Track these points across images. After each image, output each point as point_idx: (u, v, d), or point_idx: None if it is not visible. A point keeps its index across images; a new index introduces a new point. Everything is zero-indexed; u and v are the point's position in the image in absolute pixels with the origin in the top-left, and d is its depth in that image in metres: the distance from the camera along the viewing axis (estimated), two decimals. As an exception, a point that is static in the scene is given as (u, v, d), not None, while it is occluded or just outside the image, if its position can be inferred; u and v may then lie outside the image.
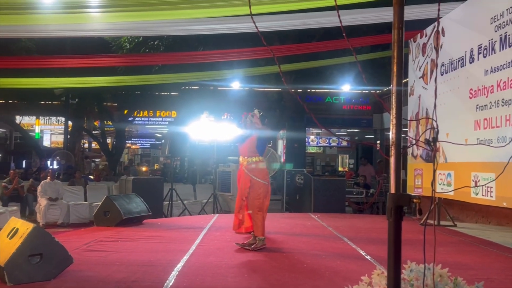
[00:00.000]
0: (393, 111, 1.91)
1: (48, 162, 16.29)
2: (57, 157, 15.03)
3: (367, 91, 18.73)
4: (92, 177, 15.95)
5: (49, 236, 3.93)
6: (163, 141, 26.87)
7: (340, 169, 25.36)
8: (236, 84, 16.30)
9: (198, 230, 6.46)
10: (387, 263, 1.88)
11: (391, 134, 1.92)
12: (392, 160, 1.89)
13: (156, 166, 31.12)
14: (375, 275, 2.53)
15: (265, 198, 5.37)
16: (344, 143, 23.62)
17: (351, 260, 4.66)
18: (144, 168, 24.36)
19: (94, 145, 25.49)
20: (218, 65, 12.22)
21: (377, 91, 15.43)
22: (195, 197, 12.14)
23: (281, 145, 21.78)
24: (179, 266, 4.27)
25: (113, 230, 6.45)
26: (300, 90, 17.52)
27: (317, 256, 4.87)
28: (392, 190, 1.89)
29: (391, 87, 1.91)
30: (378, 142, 19.30)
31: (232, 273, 4.09)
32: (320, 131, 22.60)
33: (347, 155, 25.62)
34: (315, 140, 23.54)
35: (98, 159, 26.78)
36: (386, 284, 1.92)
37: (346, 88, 17.30)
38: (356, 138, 24.00)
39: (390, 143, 1.92)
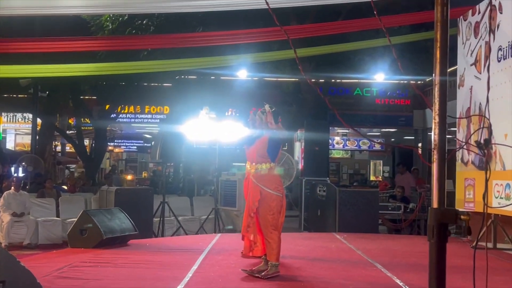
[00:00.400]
0: (436, 106, 1.91)
1: (12, 169, 16.45)
2: (23, 163, 15.16)
3: (406, 82, 18.70)
4: (65, 187, 16.08)
5: (13, 260, 3.97)
6: (153, 143, 27.01)
7: (372, 178, 25.29)
8: (243, 73, 16.34)
9: (196, 254, 6.49)
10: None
11: (433, 135, 1.92)
12: (434, 167, 1.88)
13: (144, 174, 31.33)
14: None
15: (280, 213, 5.37)
16: (377, 146, 23.56)
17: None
18: (129, 177, 24.47)
19: (69, 148, 25.69)
20: (221, 50, 12.27)
21: (418, 82, 15.40)
22: (192, 213, 12.14)
23: (298, 148, 21.75)
24: (172, 297, 4.30)
25: (91, 253, 6.49)
26: (322, 80, 17.53)
27: (342, 286, 4.86)
28: (435, 205, 1.89)
29: (433, 76, 1.91)
30: (420, 145, 19.24)
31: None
32: (348, 131, 22.58)
33: (381, 161, 25.55)
34: (341, 142, 23.52)
35: (73, 166, 26.98)
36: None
37: (380, 77, 17.26)
38: (392, 140, 23.95)
39: (432, 145, 1.92)
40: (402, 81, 18.66)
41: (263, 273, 5.17)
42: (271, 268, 5.21)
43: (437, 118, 1.92)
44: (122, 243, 7.24)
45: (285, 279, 5.17)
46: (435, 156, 1.91)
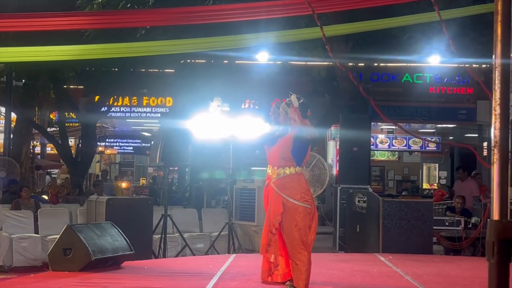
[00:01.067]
0: (496, 94, 1.91)
1: (-19, 175, 16.68)
2: (-5, 167, 15.38)
3: (467, 66, 18.52)
4: (46, 197, 16.28)
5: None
6: (152, 143, 27.19)
7: (425, 186, 25.16)
8: (263, 55, 16.36)
9: (205, 278, 6.52)
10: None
11: (493, 130, 1.92)
12: (494, 169, 1.88)
13: (142, 181, 31.58)
14: None
15: (309, 228, 5.39)
16: (432, 146, 23.42)
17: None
18: (124, 184, 24.71)
19: (50, 148, 25.99)
20: (236, 27, 12.30)
21: (483, 65, 15.23)
22: (200, 229, 12.22)
23: (332, 149, 21.75)
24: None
25: (77, 277, 6.57)
26: (362, 64, 17.46)
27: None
28: (495, 216, 1.89)
29: (493, 58, 1.91)
30: (485, 144, 19.07)
31: None
32: (395, 127, 22.49)
33: (436, 165, 25.40)
34: (386, 141, 23.43)
35: (56, 170, 27.31)
36: None
37: (435, 60, 17.11)
38: (451, 138, 23.79)
39: (492, 143, 1.92)
40: (463, 65, 18.48)
41: None
42: None
43: (497, 109, 1.92)
44: (114, 265, 7.31)
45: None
46: (495, 156, 1.91)
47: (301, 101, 5.65)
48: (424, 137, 21.35)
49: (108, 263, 7.25)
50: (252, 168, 20.63)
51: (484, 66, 15.15)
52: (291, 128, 5.56)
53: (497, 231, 1.86)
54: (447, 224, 10.67)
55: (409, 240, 9.49)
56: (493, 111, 1.95)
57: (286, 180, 5.40)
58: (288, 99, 5.67)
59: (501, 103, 1.93)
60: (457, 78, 19.50)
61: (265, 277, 5.91)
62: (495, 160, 1.94)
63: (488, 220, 1.89)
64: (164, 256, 10.00)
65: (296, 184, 5.39)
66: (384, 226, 9.59)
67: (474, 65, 15.07)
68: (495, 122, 1.95)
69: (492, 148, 1.95)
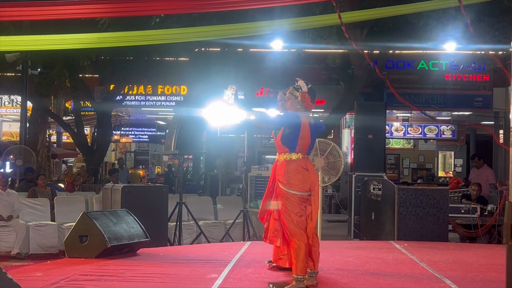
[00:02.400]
0: (515, 77, 1.88)
1: (-2, 163, 16.80)
2: (11, 156, 15.48)
3: (484, 52, 18.34)
4: (62, 185, 16.38)
5: (-1, 271, 4.08)
6: (167, 131, 27.26)
7: (440, 174, 25.03)
8: (277, 43, 16.29)
9: (220, 265, 6.54)
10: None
11: (511, 114, 1.89)
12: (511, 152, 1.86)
13: (158, 170, 31.70)
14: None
15: (305, 216, 5.42)
16: (448, 134, 23.25)
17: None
18: (140, 173, 24.80)
19: (66, 137, 26.12)
20: (250, 15, 12.26)
21: (500, 52, 15.07)
22: (215, 216, 12.25)
23: (347, 137, 21.67)
24: (191, 318, 4.36)
25: (93, 264, 6.61)
26: (377, 52, 17.34)
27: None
28: (513, 199, 1.87)
29: (511, 44, 1.87)
30: (501, 132, 18.92)
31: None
32: (410, 114, 22.33)
33: (452, 153, 25.23)
34: (401, 129, 23.30)
35: (72, 159, 27.45)
36: None
37: (451, 47, 16.95)
38: (465, 122, 23.65)
39: (510, 126, 1.89)
40: (479, 52, 18.28)
41: None
42: (294, 284, 5.25)
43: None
44: (130, 252, 7.35)
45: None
46: (513, 139, 1.88)
47: (309, 86, 5.68)
48: (438, 119, 21.09)
49: (124, 250, 7.29)
50: (267, 157, 20.66)
51: (500, 53, 14.99)
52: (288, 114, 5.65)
53: (515, 214, 1.84)
54: (462, 211, 10.62)
55: (425, 227, 9.46)
56: (511, 96, 1.92)
57: (280, 167, 5.53)
58: (295, 84, 5.71)
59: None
60: (473, 65, 19.31)
61: (275, 260, 6.09)
62: (512, 142, 1.91)
63: (506, 202, 1.87)
64: (179, 244, 10.04)
65: (286, 170, 5.46)
66: (399, 213, 9.55)
67: (490, 52, 14.89)
68: (513, 104, 1.92)
69: (511, 131, 1.92)
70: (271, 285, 5.44)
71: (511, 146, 1.92)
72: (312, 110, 5.76)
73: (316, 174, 5.73)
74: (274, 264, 6.27)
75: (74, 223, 7.45)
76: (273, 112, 6.15)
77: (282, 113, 5.88)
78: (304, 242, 5.34)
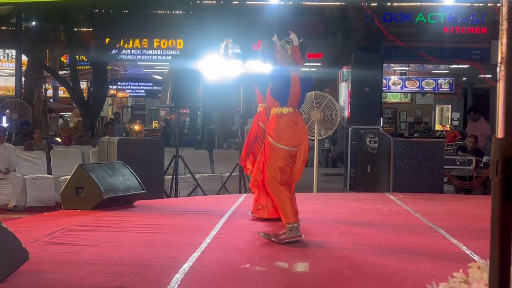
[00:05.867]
0: (503, 9, 1.84)
1: (-6, 117, 16.77)
2: (7, 110, 15.45)
3: (482, 4, 18.17)
4: (59, 139, 16.38)
5: (-5, 222, 4.09)
6: (163, 84, 27.15)
7: (437, 127, 25.04)
8: (274, -5, 16.13)
9: (216, 217, 6.59)
10: (490, 248, 1.86)
11: (500, 46, 1.86)
12: (500, 86, 1.83)
13: (155, 124, 31.69)
14: (474, 267, 2.56)
15: (289, 164, 5.45)
16: (445, 87, 23.15)
17: (449, 261, 4.69)
18: (137, 127, 24.87)
19: (62, 92, 26.08)
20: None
21: (498, 4, 14.92)
22: (212, 170, 12.28)
23: (344, 90, 21.63)
24: (186, 266, 4.40)
25: (89, 216, 6.65)
26: (374, 4, 17.17)
27: (395, 254, 4.90)
28: (500, 134, 1.85)
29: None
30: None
31: (264, 278, 4.18)
32: (407, 68, 22.26)
33: (449, 106, 25.20)
34: (398, 82, 23.23)
35: (68, 114, 27.42)
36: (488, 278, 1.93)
37: (449, -1, 16.86)
38: (464, 79, 23.53)
39: (499, 59, 1.86)
40: (477, 4, 18.13)
41: (281, 237, 5.25)
42: (290, 232, 5.27)
43: (504, 24, 1.84)
44: (126, 204, 7.39)
45: (321, 246, 5.22)
46: (501, 73, 1.85)
47: (301, 40, 5.64)
48: (434, 59, 20.97)
49: (120, 201, 7.32)
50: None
51: (499, 4, 14.85)
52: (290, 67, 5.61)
53: (501, 149, 1.82)
54: (458, 163, 10.64)
55: (420, 179, 9.49)
56: (500, 27, 1.88)
57: (271, 121, 5.54)
58: (288, 38, 5.66)
59: (509, 18, 1.85)
60: (471, 17, 19.18)
61: (254, 210, 6.29)
62: (501, 76, 1.88)
63: (493, 138, 1.85)
64: (176, 196, 10.08)
65: (277, 125, 5.45)
66: (395, 166, 9.58)
67: (489, 4, 14.76)
68: (502, 38, 1.88)
69: (499, 64, 1.89)
70: (261, 234, 5.46)
71: (499, 80, 1.89)
72: (304, 64, 5.73)
73: (306, 129, 5.75)
74: (256, 216, 6.38)
75: (70, 176, 7.46)
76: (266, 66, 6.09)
77: (271, 68, 5.83)
78: (285, 188, 5.42)
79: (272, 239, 5.30)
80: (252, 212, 6.39)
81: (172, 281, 4.02)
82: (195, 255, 4.76)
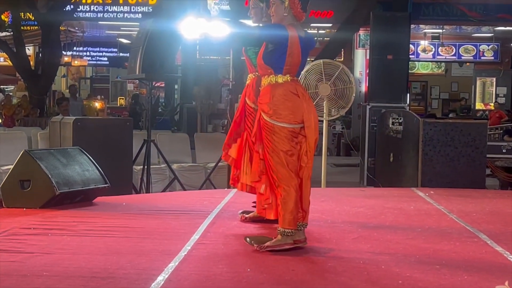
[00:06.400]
0: None
1: None
2: None
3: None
4: (-1, 119, 16.32)
5: None
6: (131, 50, 27.02)
7: (478, 106, 25.08)
8: None
9: (199, 217, 6.57)
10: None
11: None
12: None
13: (121, 101, 31.61)
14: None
15: (295, 145, 5.38)
16: (488, 54, 23.19)
17: (491, 273, 4.70)
18: (98, 104, 24.76)
19: (3, 59, 25.95)
20: None
21: None
22: (193, 158, 12.27)
23: (361, 59, 21.62)
24: (160, 280, 4.40)
25: (37, 215, 6.61)
26: None
27: (424, 265, 4.91)
28: None
29: None
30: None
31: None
32: (441, 31, 22.24)
33: (493, 79, 25.24)
34: (430, 49, 23.26)
35: (11, 87, 27.31)
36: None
37: None
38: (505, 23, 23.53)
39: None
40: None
41: (266, 243, 5.24)
42: (280, 239, 5.24)
43: None
44: (85, 201, 7.36)
45: (331, 254, 5.23)
46: None
47: None
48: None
49: (77, 198, 7.28)
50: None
51: None
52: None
53: None
54: (504, 151, 10.66)
55: (456, 171, 9.45)
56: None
57: (263, 93, 5.42)
58: None
59: None
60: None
61: (260, 211, 6.15)
62: None
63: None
64: (148, 191, 10.06)
65: (272, 97, 5.34)
66: (424, 154, 9.53)
67: None
68: None
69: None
70: (248, 240, 5.42)
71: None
72: (303, 19, 5.64)
73: (310, 100, 5.58)
74: (247, 216, 6.37)
75: (13, 165, 7.42)
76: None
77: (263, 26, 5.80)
78: (294, 188, 5.28)
79: (253, 245, 5.29)
80: (257, 212, 6.32)
81: (142, 299, 4.04)
82: (172, 265, 4.76)
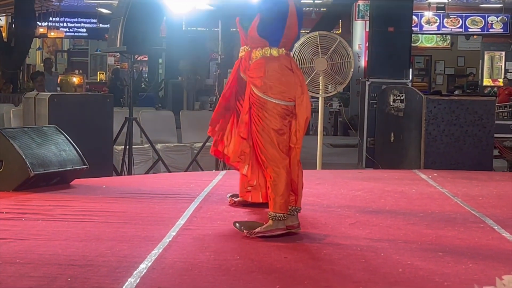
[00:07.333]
0: None
1: None
2: None
3: None
4: (-32, 95, 16.30)
5: None
6: (111, 21, 26.96)
7: (486, 82, 25.11)
8: None
9: (184, 201, 6.58)
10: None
11: None
12: None
13: (100, 76, 31.54)
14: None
15: (286, 124, 5.35)
16: (497, 26, 23.18)
17: (498, 260, 4.72)
18: (75, 79, 24.67)
19: (-28, 31, 25.78)
20: None
21: None
22: (179, 138, 12.26)
23: (360, 31, 21.60)
24: (143, 268, 4.39)
25: (10, 199, 6.62)
26: None
27: (426, 252, 4.93)
28: None
29: None
30: None
31: (249, 284, 4.20)
32: (447, 0, 22.19)
33: (503, 53, 25.25)
34: (434, 20, 23.24)
35: (-19, 61, 27.20)
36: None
37: None
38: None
39: None
40: None
41: (257, 229, 5.25)
42: (271, 224, 5.24)
43: None
44: (61, 184, 7.35)
45: (326, 240, 5.24)
46: None
47: None
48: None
49: (53, 180, 7.27)
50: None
51: None
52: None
53: None
54: (513, 130, 10.69)
55: (462, 152, 9.45)
56: None
57: (255, 66, 5.33)
58: None
59: None
60: None
61: (242, 194, 6.15)
62: None
63: None
64: (130, 173, 10.07)
65: (265, 71, 5.29)
66: (428, 133, 9.54)
67: None
68: None
69: None
70: (237, 225, 5.41)
71: None
72: None
73: (303, 76, 5.56)
74: (236, 199, 6.36)
75: (-16, 145, 7.41)
76: None
77: None
78: (285, 169, 5.25)
79: (243, 230, 5.29)
80: (239, 195, 6.33)
81: (124, 286, 4.03)
82: (155, 252, 4.76)
